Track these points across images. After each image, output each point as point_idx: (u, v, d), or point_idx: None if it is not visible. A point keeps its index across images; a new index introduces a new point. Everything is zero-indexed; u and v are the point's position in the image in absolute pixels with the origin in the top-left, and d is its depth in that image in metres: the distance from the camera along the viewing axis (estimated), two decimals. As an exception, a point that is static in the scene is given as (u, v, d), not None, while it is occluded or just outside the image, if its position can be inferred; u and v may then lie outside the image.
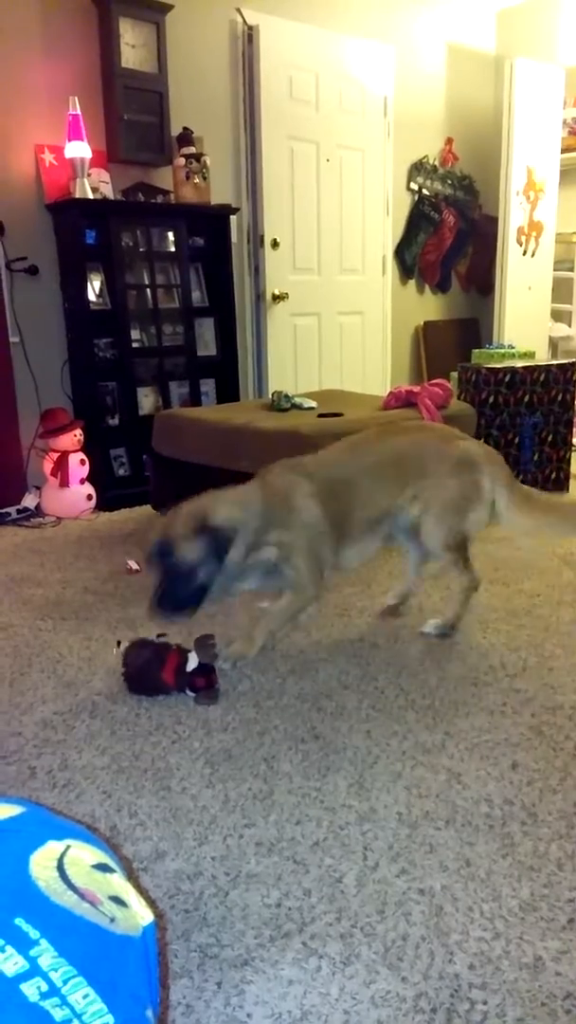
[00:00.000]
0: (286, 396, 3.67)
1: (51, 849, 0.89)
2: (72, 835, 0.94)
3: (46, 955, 0.76)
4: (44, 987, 0.74)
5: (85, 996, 0.76)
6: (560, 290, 6.00)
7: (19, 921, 0.78)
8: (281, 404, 3.63)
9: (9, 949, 0.76)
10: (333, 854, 1.48)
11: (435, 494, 2.34)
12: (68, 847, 0.90)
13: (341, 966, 1.23)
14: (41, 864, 0.86)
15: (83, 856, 0.91)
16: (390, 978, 1.21)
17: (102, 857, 0.94)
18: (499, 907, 1.34)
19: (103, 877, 0.90)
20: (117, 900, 0.88)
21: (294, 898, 1.37)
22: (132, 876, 1.43)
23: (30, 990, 0.73)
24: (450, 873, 1.43)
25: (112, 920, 0.84)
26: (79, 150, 3.81)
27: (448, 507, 2.35)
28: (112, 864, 0.94)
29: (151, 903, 1.36)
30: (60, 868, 0.86)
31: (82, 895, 0.84)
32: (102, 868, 0.91)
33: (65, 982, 0.75)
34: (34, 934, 0.78)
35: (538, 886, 1.39)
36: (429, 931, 1.29)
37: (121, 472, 4.25)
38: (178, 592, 2.09)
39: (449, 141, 5.80)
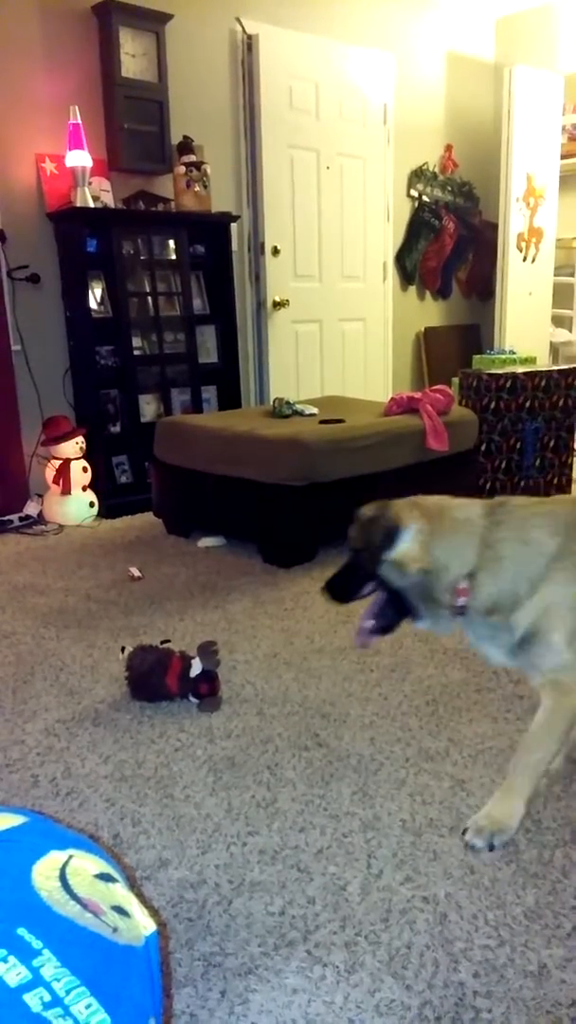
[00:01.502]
0: (287, 403, 3.68)
1: (54, 859, 0.88)
2: (74, 845, 0.94)
3: (49, 965, 0.76)
4: (47, 997, 0.74)
5: (88, 1006, 0.75)
6: (561, 295, 6.01)
7: (22, 931, 0.78)
8: (283, 411, 3.63)
9: (12, 959, 0.75)
10: (337, 862, 1.48)
11: None
12: (71, 857, 0.90)
13: (345, 974, 1.23)
14: (44, 874, 0.85)
15: (86, 866, 0.90)
16: (394, 987, 1.20)
17: (104, 867, 0.93)
18: (504, 915, 1.34)
19: (106, 887, 0.90)
20: (120, 910, 0.88)
21: (298, 906, 1.37)
22: (135, 885, 1.43)
23: (33, 1000, 0.73)
24: (454, 881, 1.42)
25: (115, 930, 0.84)
26: (80, 159, 3.82)
27: None
28: (115, 874, 0.94)
29: (154, 912, 1.35)
30: (63, 878, 0.86)
31: (85, 905, 0.84)
32: (105, 878, 0.91)
33: (68, 992, 0.75)
34: (37, 944, 0.77)
35: (543, 893, 1.38)
36: (433, 939, 1.29)
37: (123, 480, 4.25)
38: (346, 576, 1.70)
39: (449, 148, 5.82)
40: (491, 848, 1.50)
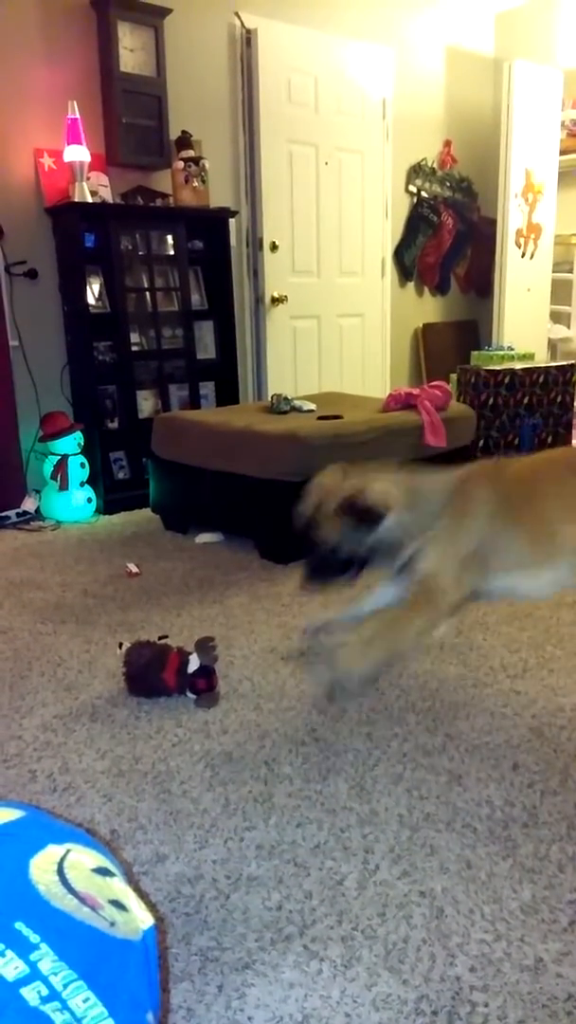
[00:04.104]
0: (285, 399, 3.68)
1: (51, 853, 0.89)
2: (72, 839, 0.94)
3: (46, 959, 0.76)
4: (44, 991, 0.74)
5: (85, 1000, 0.76)
6: (559, 292, 6.01)
7: (19, 925, 0.78)
8: (280, 407, 3.63)
9: (9, 953, 0.76)
10: (334, 857, 1.48)
11: None
12: (68, 851, 0.90)
13: (342, 969, 1.23)
14: (41, 868, 0.86)
15: (83, 860, 0.91)
16: (391, 981, 1.21)
17: (102, 861, 0.94)
18: (500, 909, 1.34)
19: (103, 881, 0.90)
20: (117, 904, 0.88)
21: (295, 901, 1.37)
22: (132, 880, 1.43)
23: (30, 994, 0.73)
24: (451, 875, 1.42)
25: (112, 924, 0.84)
26: (78, 154, 3.81)
27: None
28: (112, 868, 0.94)
29: (151, 907, 1.36)
30: (60, 872, 0.86)
31: (82, 899, 0.84)
32: (102, 872, 0.91)
33: (65, 986, 0.75)
34: (34, 938, 0.78)
35: (539, 888, 1.39)
36: (430, 934, 1.29)
37: (121, 475, 4.25)
38: (324, 567, 2.01)
39: (448, 143, 5.81)
40: (330, 699, 1.84)
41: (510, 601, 2.69)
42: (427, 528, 1.96)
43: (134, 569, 3.11)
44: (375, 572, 2.03)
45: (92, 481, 4.05)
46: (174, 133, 4.23)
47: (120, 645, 2.19)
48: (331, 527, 1.95)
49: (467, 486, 2.01)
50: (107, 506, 4.08)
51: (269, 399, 3.84)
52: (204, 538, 3.49)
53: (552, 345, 6.09)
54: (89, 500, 4.01)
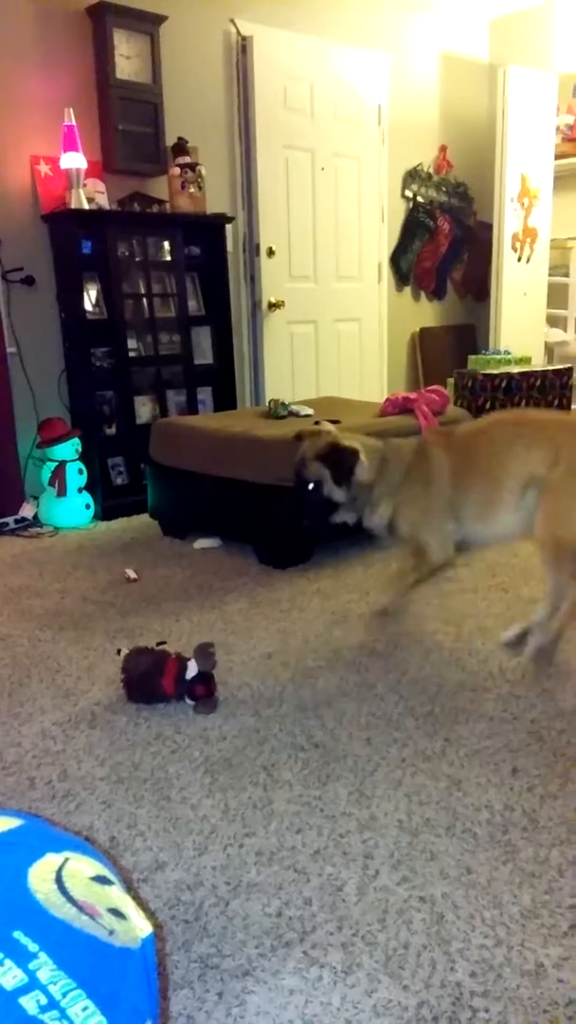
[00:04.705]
0: (283, 404, 3.68)
1: (49, 862, 0.88)
2: (70, 847, 0.94)
3: (45, 968, 0.76)
4: (43, 1000, 0.74)
5: (84, 1009, 0.75)
6: (555, 296, 6.02)
7: (18, 934, 0.78)
8: (278, 412, 3.63)
9: (8, 962, 0.75)
10: (334, 863, 1.48)
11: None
12: (66, 859, 0.90)
13: (342, 975, 1.23)
14: (40, 877, 0.85)
15: (81, 868, 0.90)
16: (392, 987, 1.20)
17: (100, 869, 0.93)
18: (500, 914, 1.34)
19: (102, 889, 0.90)
20: (116, 912, 0.88)
21: (295, 907, 1.37)
22: (131, 887, 1.43)
23: (29, 1003, 0.73)
24: (451, 880, 1.42)
25: (111, 932, 0.84)
26: (74, 161, 3.82)
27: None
28: (110, 876, 0.94)
29: (150, 914, 1.35)
30: (59, 881, 0.86)
31: (81, 907, 0.84)
32: (101, 880, 0.91)
33: (64, 995, 0.75)
34: (33, 947, 0.77)
35: (539, 892, 1.39)
36: (430, 939, 1.29)
37: (119, 481, 4.25)
38: (307, 504, 2.46)
39: (443, 149, 5.83)
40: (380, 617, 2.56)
41: (508, 603, 2.69)
42: (392, 488, 2.41)
43: (132, 575, 3.10)
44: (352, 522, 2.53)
45: (90, 487, 4.05)
46: (170, 139, 4.24)
47: (119, 651, 2.19)
48: (315, 468, 2.42)
49: (424, 452, 2.42)
50: (105, 512, 4.08)
51: (267, 404, 3.84)
52: (202, 543, 3.49)
53: (549, 349, 6.11)
54: (87, 506, 4.00)
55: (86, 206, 3.87)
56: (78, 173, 3.84)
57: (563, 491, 2.17)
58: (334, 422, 3.39)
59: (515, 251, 5.68)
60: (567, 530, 2.17)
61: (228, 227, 4.55)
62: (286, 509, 2.58)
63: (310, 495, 2.44)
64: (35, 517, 3.97)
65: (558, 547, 2.19)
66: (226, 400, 4.63)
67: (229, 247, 4.60)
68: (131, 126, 4.08)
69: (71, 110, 3.82)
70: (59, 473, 3.90)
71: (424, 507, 2.38)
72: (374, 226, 5.40)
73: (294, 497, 2.51)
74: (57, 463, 3.91)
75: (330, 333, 5.25)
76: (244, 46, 4.53)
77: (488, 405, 3.91)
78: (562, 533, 2.17)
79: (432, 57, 5.63)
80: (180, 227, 4.27)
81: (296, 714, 2.03)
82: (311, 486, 2.43)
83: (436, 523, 2.37)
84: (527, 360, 4.98)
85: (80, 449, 3.99)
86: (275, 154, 4.72)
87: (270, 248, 4.79)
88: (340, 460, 2.39)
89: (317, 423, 3.39)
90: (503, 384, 3.92)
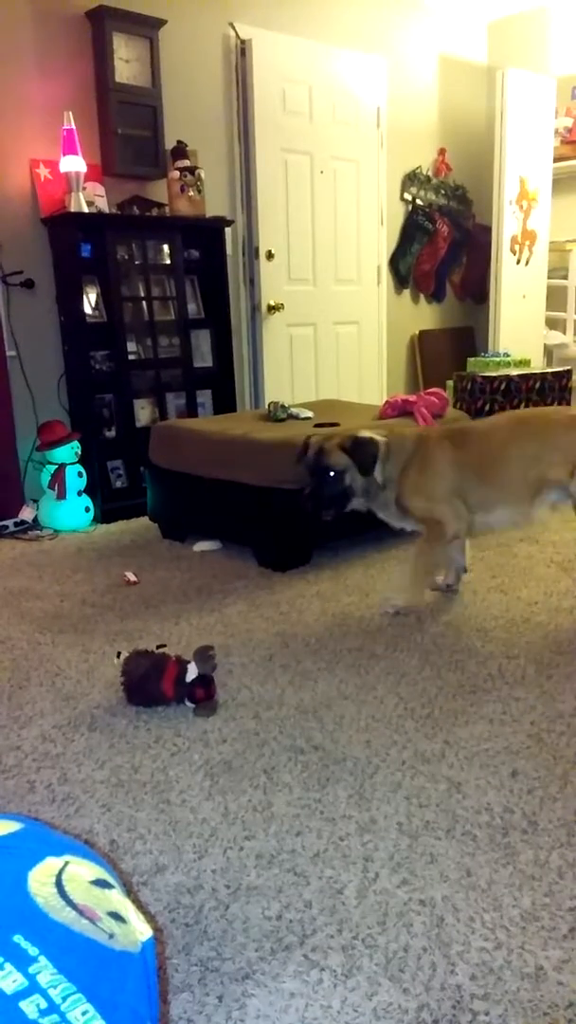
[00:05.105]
0: (282, 406, 3.68)
1: (49, 865, 0.88)
2: (70, 851, 0.94)
3: (45, 972, 0.76)
4: (43, 1004, 0.74)
5: (84, 1013, 0.75)
6: (554, 298, 6.02)
7: (18, 938, 0.78)
8: (277, 415, 3.64)
9: (8, 966, 0.75)
10: (333, 865, 1.48)
11: None
12: (66, 863, 0.90)
13: (343, 978, 1.23)
14: (39, 880, 0.85)
15: (81, 872, 0.90)
16: (392, 990, 1.20)
17: (100, 873, 0.93)
18: (500, 917, 1.34)
19: (102, 893, 0.90)
20: (116, 916, 0.88)
21: (295, 910, 1.37)
22: (131, 891, 1.43)
23: (29, 1007, 0.73)
24: (451, 883, 1.42)
25: (111, 936, 0.84)
26: (74, 164, 3.83)
27: None
28: (110, 879, 0.94)
29: (150, 918, 1.35)
30: (59, 884, 0.86)
31: (81, 911, 0.84)
32: (101, 884, 0.91)
33: (64, 999, 0.75)
34: (33, 951, 0.77)
35: (539, 895, 1.39)
36: (430, 942, 1.29)
37: (118, 484, 4.25)
38: (326, 496, 2.58)
39: (442, 151, 5.84)
40: (397, 614, 2.63)
41: (508, 604, 2.69)
42: (393, 476, 2.59)
43: (132, 578, 3.11)
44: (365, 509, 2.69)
45: (90, 490, 4.05)
46: (169, 143, 4.25)
47: (118, 654, 2.19)
48: (337, 456, 2.56)
49: (427, 443, 2.61)
50: (105, 515, 4.08)
51: (266, 407, 3.84)
52: (202, 546, 3.49)
53: (548, 351, 6.11)
54: (87, 509, 4.01)
55: (86, 209, 3.88)
56: (77, 176, 3.84)
57: None
58: (333, 424, 3.40)
59: (514, 254, 5.68)
60: None
61: (227, 230, 4.56)
62: (304, 504, 2.64)
63: (330, 486, 2.56)
64: (35, 520, 3.97)
65: None
66: (226, 403, 4.64)
67: (228, 250, 4.61)
68: (130, 130, 4.09)
69: (70, 114, 3.83)
70: (59, 476, 3.90)
71: (431, 485, 2.58)
72: (373, 229, 5.41)
73: (314, 490, 2.60)
74: (57, 466, 3.92)
75: (329, 336, 5.25)
76: (243, 49, 4.54)
77: (487, 407, 3.92)
78: None
79: (430, 60, 5.64)
80: (179, 230, 4.28)
81: (296, 716, 2.03)
82: (332, 474, 2.55)
83: (446, 496, 2.57)
84: (526, 362, 4.99)
85: (80, 452, 3.99)
86: (274, 157, 4.73)
87: (269, 251, 4.79)
88: (364, 451, 2.55)
89: (318, 425, 3.39)
90: (502, 386, 3.92)
